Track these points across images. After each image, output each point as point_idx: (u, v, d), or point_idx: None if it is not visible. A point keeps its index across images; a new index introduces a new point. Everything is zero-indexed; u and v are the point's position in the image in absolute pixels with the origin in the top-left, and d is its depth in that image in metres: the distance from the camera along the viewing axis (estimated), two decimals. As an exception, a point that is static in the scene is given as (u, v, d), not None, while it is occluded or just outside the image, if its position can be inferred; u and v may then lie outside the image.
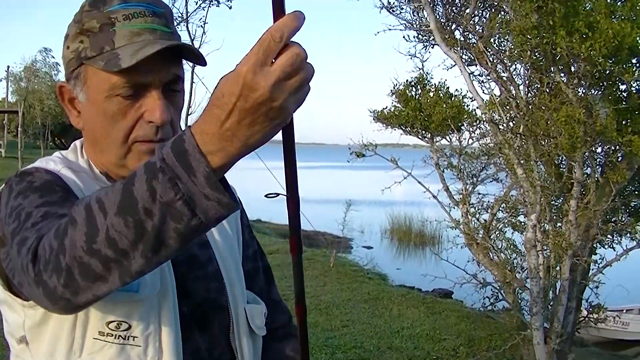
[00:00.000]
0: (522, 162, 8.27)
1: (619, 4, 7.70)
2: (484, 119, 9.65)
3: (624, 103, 7.90)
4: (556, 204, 9.14)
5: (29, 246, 1.34)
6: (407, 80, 11.27)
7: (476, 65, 8.93)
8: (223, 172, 1.22)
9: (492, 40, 8.70)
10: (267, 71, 1.11)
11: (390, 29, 9.63)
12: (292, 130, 1.26)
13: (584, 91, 7.83)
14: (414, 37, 10.01)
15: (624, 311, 15.82)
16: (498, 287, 9.58)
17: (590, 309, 9.13)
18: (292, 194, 1.38)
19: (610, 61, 7.40)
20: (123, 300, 1.56)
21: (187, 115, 14.03)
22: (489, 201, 10.51)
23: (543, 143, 8.30)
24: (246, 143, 1.18)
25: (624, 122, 7.89)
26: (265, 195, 1.46)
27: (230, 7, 15.00)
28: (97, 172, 1.75)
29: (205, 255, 1.82)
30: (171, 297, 1.66)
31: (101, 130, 1.67)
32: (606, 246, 9.25)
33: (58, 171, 1.66)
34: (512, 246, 10.03)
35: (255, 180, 13.50)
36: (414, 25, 9.75)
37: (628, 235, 9.14)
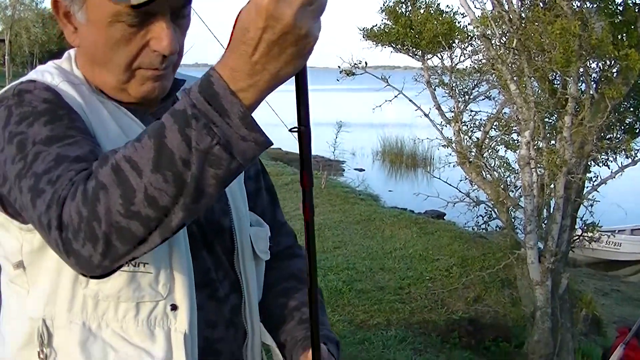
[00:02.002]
0: (515, 78, 8.11)
1: None
2: (476, 35, 9.44)
3: (619, 16, 7.71)
4: (550, 121, 9.01)
5: (51, 209, 1.27)
6: (397, -3, 11.02)
7: (468, -22, 8.69)
8: (255, 107, 1.21)
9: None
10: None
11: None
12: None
13: (579, 4, 7.64)
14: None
15: (616, 232, 15.87)
16: (491, 206, 9.51)
17: (585, 228, 9.07)
18: (306, 128, 1.31)
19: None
20: None
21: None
22: (481, 119, 10.37)
23: (537, 58, 8.12)
24: (277, 75, 1.17)
25: (619, 36, 7.72)
26: (290, 130, 1.37)
27: None
28: (92, 87, 1.60)
29: None
30: None
31: (102, 55, 1.53)
32: (601, 164, 9.16)
33: (56, 86, 1.51)
34: (505, 164, 9.95)
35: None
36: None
37: (623, 152, 9.03)
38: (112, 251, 1.23)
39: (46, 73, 1.56)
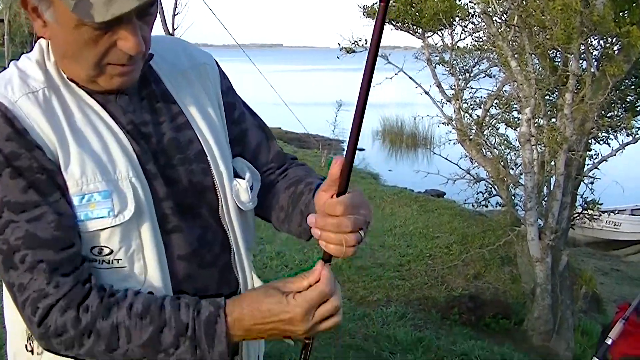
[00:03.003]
0: (516, 55, 8.11)
1: None
2: (477, 12, 9.42)
3: (621, -7, 7.69)
4: (551, 98, 9.00)
5: (34, 310, 1.46)
6: (398, -26, 10.97)
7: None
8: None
9: None
10: (311, 319, 1.48)
11: None
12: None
13: (580, -20, 7.59)
14: None
15: (617, 212, 15.87)
16: (491, 183, 9.52)
17: (585, 205, 9.08)
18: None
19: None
20: (100, 229, 1.54)
21: (174, 15, 13.64)
22: (482, 97, 10.37)
23: (538, 35, 8.11)
24: (261, 337, 1.56)
25: (621, 13, 7.69)
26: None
27: None
28: (65, 77, 1.61)
29: (186, 137, 1.73)
30: (147, 214, 1.60)
31: (72, 52, 1.54)
32: (601, 142, 9.17)
33: (15, 103, 1.52)
34: (505, 142, 9.95)
35: (249, 85, 13.35)
36: None
37: (624, 130, 9.03)
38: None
39: (8, 86, 1.55)
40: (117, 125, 1.60)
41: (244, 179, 1.79)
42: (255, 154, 1.93)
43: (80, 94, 1.59)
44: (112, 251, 1.55)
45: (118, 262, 1.57)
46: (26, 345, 1.64)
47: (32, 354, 1.63)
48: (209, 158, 1.74)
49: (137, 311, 1.47)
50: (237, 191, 1.75)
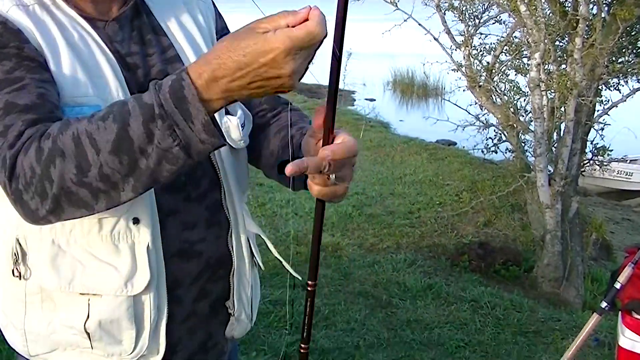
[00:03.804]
0: (525, 0, 8.01)
1: None
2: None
3: None
4: (561, 44, 8.93)
5: (3, 160, 1.32)
6: None
7: None
8: (218, 111, 1.29)
9: None
10: (296, 59, 1.19)
11: None
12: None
13: None
14: None
15: (628, 161, 15.78)
16: (501, 129, 9.49)
17: (595, 151, 9.06)
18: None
19: None
20: None
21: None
22: (491, 43, 10.29)
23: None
24: (248, 97, 1.27)
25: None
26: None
27: None
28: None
29: (175, 69, 1.54)
30: None
31: None
32: (612, 88, 9.11)
33: (7, 12, 1.48)
34: (515, 88, 9.89)
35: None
36: None
37: (634, 76, 8.98)
38: (58, 210, 1.33)
39: None
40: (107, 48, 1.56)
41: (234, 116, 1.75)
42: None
43: (72, 14, 1.55)
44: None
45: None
46: (13, 271, 1.59)
47: (20, 278, 1.60)
48: None
49: (98, 116, 1.29)
50: (227, 128, 1.69)
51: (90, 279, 1.54)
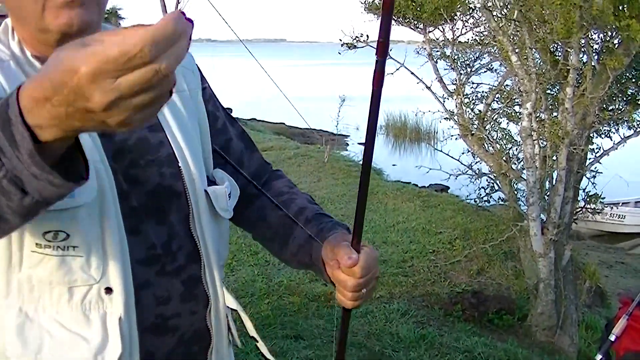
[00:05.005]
0: (516, 49, 8.09)
1: None
2: (477, 7, 9.40)
3: (620, -14, 7.65)
4: (552, 92, 8.98)
5: None
6: (398, -30, 10.95)
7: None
8: (63, 145, 1.03)
9: None
10: (109, 87, 0.88)
11: None
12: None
13: (579, -26, 7.57)
14: None
15: (620, 204, 15.89)
16: (493, 178, 9.51)
17: (588, 199, 9.07)
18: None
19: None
20: (58, 209, 1.35)
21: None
22: (483, 91, 10.36)
23: (538, 29, 8.10)
24: (89, 130, 0.97)
25: (620, 7, 7.66)
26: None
27: None
28: (29, 55, 1.52)
29: (157, 138, 1.64)
30: (110, 199, 1.48)
31: (15, 4, 1.46)
32: (603, 135, 9.16)
33: None
34: (507, 136, 9.94)
35: (252, 80, 13.31)
36: None
37: (625, 123, 9.02)
38: None
39: None
40: None
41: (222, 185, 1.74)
42: (238, 164, 1.88)
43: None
44: (68, 236, 1.41)
45: (74, 250, 1.42)
46: None
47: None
48: (180, 163, 1.65)
49: None
50: (216, 196, 1.68)
51: (58, 351, 1.46)
